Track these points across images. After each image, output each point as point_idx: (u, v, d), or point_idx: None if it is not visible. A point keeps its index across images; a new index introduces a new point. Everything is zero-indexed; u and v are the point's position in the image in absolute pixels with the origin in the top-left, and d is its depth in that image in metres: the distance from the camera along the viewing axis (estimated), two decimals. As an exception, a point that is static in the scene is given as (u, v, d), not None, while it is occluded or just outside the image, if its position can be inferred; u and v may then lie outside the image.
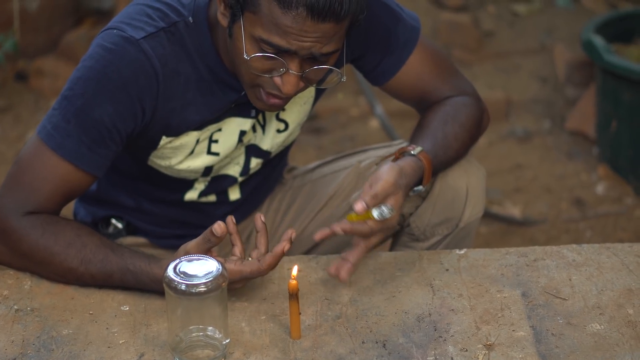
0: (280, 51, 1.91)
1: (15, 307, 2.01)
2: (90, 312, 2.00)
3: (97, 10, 4.74)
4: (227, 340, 1.88)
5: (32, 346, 1.91)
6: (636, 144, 3.76)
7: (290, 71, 1.94)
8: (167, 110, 2.06)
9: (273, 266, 1.96)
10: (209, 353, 1.88)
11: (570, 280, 2.08)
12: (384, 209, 2.00)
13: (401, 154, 2.12)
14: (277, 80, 1.96)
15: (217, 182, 2.26)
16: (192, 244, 1.97)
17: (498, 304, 2.01)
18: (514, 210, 3.73)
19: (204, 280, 1.82)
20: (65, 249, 2.01)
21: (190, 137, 2.13)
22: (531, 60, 4.65)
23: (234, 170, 2.26)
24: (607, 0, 4.93)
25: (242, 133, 2.18)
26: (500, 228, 3.64)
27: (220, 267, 1.84)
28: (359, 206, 1.98)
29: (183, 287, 1.81)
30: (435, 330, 1.94)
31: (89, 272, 2.02)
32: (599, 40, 3.77)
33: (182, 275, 1.82)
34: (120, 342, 1.92)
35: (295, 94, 2.01)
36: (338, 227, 2.02)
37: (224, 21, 1.98)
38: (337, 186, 2.40)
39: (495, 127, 4.12)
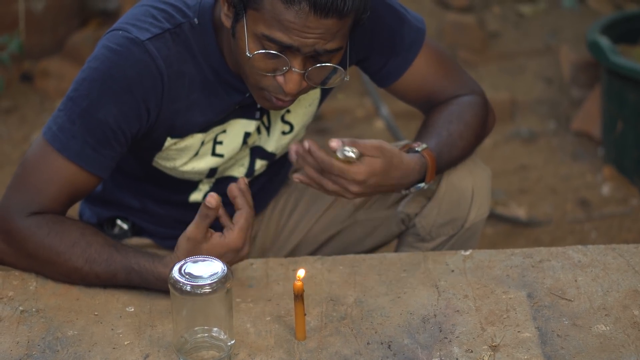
0: (282, 48, 1.91)
1: (21, 308, 2.01)
2: (96, 313, 2.00)
3: (103, 11, 4.75)
4: (232, 341, 1.88)
5: (37, 347, 1.91)
6: (642, 145, 3.76)
7: (293, 69, 1.93)
8: (172, 111, 2.06)
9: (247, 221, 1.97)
10: (214, 354, 1.88)
11: (575, 281, 2.08)
12: (349, 149, 1.98)
13: (407, 150, 2.12)
14: (280, 79, 1.96)
15: (223, 183, 2.25)
16: (191, 227, 1.96)
17: (503, 305, 2.01)
18: (519, 211, 3.73)
19: (209, 282, 1.82)
20: (70, 248, 2.01)
21: (195, 139, 2.13)
22: (536, 61, 4.65)
23: (239, 171, 2.26)
24: (613, 1, 4.93)
25: (247, 135, 2.18)
26: (505, 229, 3.63)
27: (226, 269, 1.84)
28: (334, 142, 1.97)
29: (188, 288, 1.82)
30: (441, 331, 1.94)
31: (94, 272, 2.02)
32: (604, 41, 3.77)
33: (187, 276, 1.82)
34: (125, 343, 1.93)
35: (299, 94, 2.01)
36: (306, 142, 1.99)
37: (227, 22, 1.98)
38: (342, 187, 2.39)
39: (500, 128, 4.12)
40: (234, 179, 2.26)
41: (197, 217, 1.96)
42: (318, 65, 1.94)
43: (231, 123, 2.15)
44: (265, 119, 2.21)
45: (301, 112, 2.24)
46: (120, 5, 4.60)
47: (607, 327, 1.95)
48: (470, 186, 2.26)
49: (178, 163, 2.16)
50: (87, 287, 2.05)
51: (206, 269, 1.84)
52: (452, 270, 2.12)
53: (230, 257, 1.98)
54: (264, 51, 1.92)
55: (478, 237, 2.34)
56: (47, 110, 4.27)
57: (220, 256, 1.93)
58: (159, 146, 2.12)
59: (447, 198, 2.25)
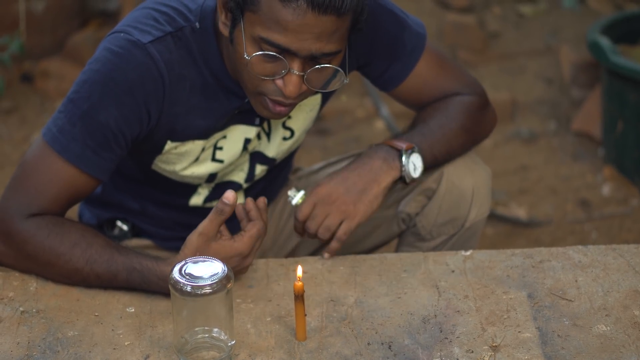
0: (281, 51, 1.91)
1: (21, 308, 2.01)
2: (96, 314, 2.00)
3: (103, 11, 4.74)
4: (233, 342, 1.89)
5: (38, 348, 1.91)
6: (642, 145, 3.76)
7: (292, 71, 1.93)
8: (173, 114, 2.06)
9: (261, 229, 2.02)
10: (215, 354, 1.88)
11: (576, 281, 2.08)
12: (291, 195, 2.13)
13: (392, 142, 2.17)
14: (279, 82, 1.95)
15: (222, 188, 2.25)
16: (204, 223, 1.96)
17: (504, 305, 2.01)
18: (520, 212, 3.72)
19: (209, 282, 1.82)
20: (71, 250, 2.01)
21: (195, 145, 2.13)
22: (537, 62, 4.64)
23: (239, 176, 2.26)
24: (613, 1, 4.93)
25: (247, 141, 2.18)
26: (505, 229, 3.63)
27: (226, 269, 1.84)
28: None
29: (188, 288, 1.82)
30: (441, 332, 1.94)
31: (95, 272, 2.02)
32: (604, 41, 3.77)
33: (187, 277, 1.83)
34: (126, 343, 1.93)
35: (299, 98, 2.00)
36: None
37: (225, 31, 1.97)
38: (342, 187, 2.39)
39: (500, 128, 4.12)
40: (233, 184, 2.26)
41: (211, 213, 1.96)
42: (317, 66, 1.94)
43: (231, 129, 2.15)
44: (265, 125, 2.21)
45: (302, 117, 2.24)
46: (121, 5, 4.60)
47: (608, 328, 1.95)
48: (470, 186, 2.26)
49: (178, 167, 2.16)
50: (87, 288, 2.05)
51: (206, 269, 1.84)
52: (453, 271, 2.12)
53: (236, 262, 1.99)
54: (262, 52, 1.92)
55: (478, 237, 2.35)
56: (48, 110, 4.27)
57: (226, 259, 1.94)
58: (159, 149, 2.12)
59: (447, 197, 2.26)
